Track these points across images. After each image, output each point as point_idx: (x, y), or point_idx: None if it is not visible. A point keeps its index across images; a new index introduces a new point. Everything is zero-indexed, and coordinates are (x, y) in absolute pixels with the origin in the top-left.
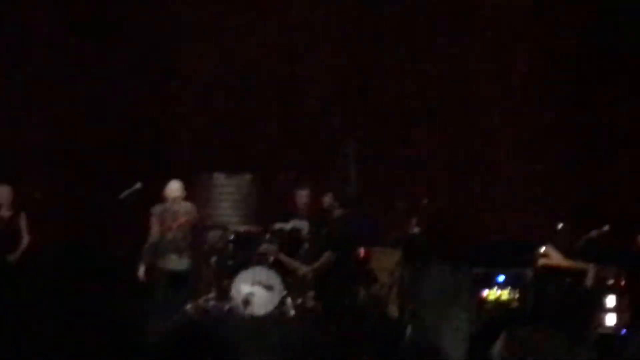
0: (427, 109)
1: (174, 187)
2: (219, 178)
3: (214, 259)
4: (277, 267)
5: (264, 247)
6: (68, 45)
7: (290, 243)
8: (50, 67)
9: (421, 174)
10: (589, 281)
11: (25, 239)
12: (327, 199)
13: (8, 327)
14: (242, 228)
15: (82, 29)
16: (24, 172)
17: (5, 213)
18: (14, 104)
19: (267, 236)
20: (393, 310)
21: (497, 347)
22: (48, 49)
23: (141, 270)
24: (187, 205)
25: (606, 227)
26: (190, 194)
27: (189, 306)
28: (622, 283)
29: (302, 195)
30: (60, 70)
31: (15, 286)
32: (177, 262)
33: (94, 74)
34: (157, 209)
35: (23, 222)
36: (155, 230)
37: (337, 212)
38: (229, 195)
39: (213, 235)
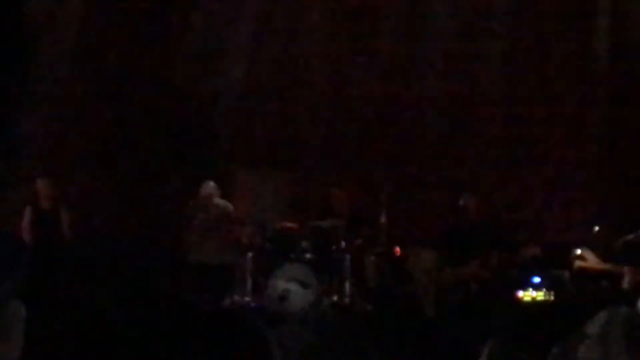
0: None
1: (208, 187)
2: (258, 174)
3: (250, 255)
4: (314, 264)
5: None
6: (112, 38)
7: (327, 242)
8: (94, 60)
9: (460, 174)
10: (626, 285)
11: (67, 235)
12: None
13: (47, 319)
14: (279, 225)
15: (122, 23)
16: (67, 166)
17: (46, 205)
18: (57, 97)
19: (305, 234)
20: (430, 311)
21: (596, 323)
22: (91, 42)
23: None
24: (220, 202)
25: None
26: (228, 190)
27: (225, 301)
28: None
29: (335, 197)
30: (103, 64)
31: (55, 278)
32: (211, 257)
33: (137, 72)
34: (191, 205)
35: (65, 218)
36: (188, 225)
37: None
38: (266, 192)
39: (250, 231)
